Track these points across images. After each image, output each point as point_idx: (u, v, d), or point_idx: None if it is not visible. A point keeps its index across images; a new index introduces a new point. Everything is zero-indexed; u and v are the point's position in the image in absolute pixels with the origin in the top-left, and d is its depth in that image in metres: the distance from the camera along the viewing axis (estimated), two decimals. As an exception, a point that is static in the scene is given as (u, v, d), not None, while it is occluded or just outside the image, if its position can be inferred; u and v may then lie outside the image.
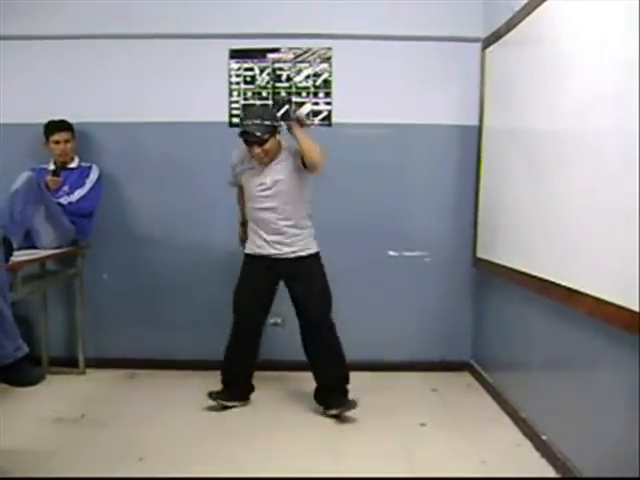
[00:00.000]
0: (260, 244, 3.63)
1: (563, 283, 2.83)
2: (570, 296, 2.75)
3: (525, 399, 3.48)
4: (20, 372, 3.00)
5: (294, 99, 4.39)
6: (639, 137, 2.22)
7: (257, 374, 3.81)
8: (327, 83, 4.37)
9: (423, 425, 3.53)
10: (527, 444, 3.27)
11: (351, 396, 3.68)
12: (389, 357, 4.23)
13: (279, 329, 4.34)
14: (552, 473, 2.92)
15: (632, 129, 2.27)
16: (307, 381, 3.88)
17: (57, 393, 3.95)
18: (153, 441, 3.26)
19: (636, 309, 2.22)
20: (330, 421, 3.56)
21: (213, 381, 4.15)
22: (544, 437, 3.12)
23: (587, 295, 2.60)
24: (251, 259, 3.71)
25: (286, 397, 3.85)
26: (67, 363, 4.39)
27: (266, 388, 4.02)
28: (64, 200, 4.04)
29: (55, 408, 3.66)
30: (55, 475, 2.84)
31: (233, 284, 4.35)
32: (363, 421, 3.57)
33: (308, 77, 4.38)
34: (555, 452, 2.96)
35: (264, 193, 3.55)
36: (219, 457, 3.08)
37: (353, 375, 3.74)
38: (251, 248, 3.70)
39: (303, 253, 3.60)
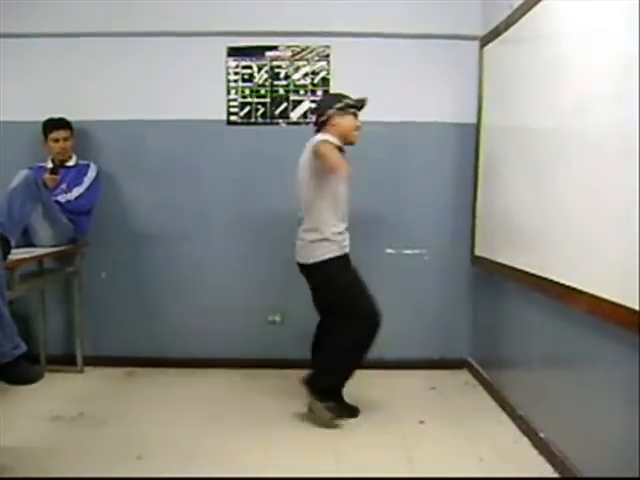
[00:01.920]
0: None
1: (561, 281, 2.83)
2: (568, 294, 2.75)
3: (523, 397, 3.49)
4: (18, 370, 3.00)
5: (292, 97, 4.38)
6: (639, 134, 2.22)
7: (255, 372, 3.80)
8: (325, 81, 4.37)
9: (422, 423, 3.54)
10: (525, 441, 3.28)
11: (351, 394, 3.69)
12: (388, 355, 4.23)
13: (278, 327, 4.34)
14: (550, 471, 2.93)
15: (632, 126, 2.26)
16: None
17: (55, 391, 3.95)
18: (152, 439, 3.26)
19: (635, 307, 2.22)
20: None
21: (211, 379, 4.17)
22: (542, 435, 3.13)
23: (585, 293, 2.60)
24: (345, 258, 3.54)
25: (285, 395, 3.84)
26: (65, 361, 4.39)
27: (265, 386, 4.03)
28: (62, 198, 4.04)
29: (53, 406, 3.66)
30: (54, 474, 2.84)
31: (232, 282, 4.38)
32: (362, 419, 3.57)
33: (306, 75, 4.37)
34: (553, 450, 2.97)
35: None
36: (218, 455, 3.08)
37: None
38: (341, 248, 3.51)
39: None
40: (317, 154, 3.25)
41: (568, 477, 2.63)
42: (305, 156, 3.44)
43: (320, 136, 3.38)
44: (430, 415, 3.63)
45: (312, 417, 3.48)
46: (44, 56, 4.32)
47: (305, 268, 3.53)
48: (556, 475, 2.89)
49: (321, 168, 3.28)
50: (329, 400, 3.50)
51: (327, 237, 3.42)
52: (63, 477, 2.70)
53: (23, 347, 2.96)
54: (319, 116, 3.51)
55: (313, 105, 4.32)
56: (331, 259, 3.43)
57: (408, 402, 3.83)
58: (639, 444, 2.25)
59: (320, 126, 3.51)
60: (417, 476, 2.72)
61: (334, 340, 3.51)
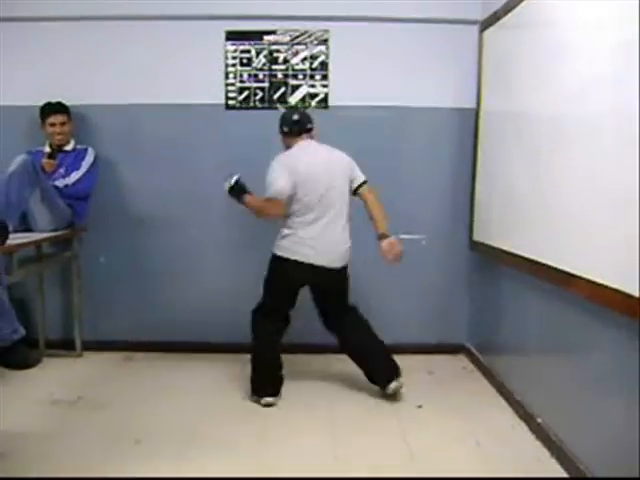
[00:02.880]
0: None
1: (560, 267, 2.83)
2: (567, 280, 2.76)
3: (521, 382, 3.50)
4: (17, 355, 3.01)
5: (290, 82, 4.36)
6: (639, 119, 2.21)
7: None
8: (324, 65, 4.34)
9: (419, 407, 3.56)
10: (522, 426, 3.29)
11: (349, 378, 3.71)
12: (386, 340, 4.22)
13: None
14: (547, 456, 2.95)
15: (631, 111, 2.26)
16: (302, 364, 3.92)
17: (54, 376, 3.97)
18: (150, 424, 3.27)
19: (635, 293, 2.23)
20: (326, 404, 3.58)
21: (210, 364, 4.18)
22: (539, 420, 3.14)
23: (584, 279, 2.60)
24: None
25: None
26: (64, 346, 4.40)
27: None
28: (60, 183, 4.03)
29: (52, 390, 3.68)
30: (52, 457, 2.87)
31: (231, 267, 4.38)
32: (359, 403, 3.59)
33: (305, 59, 4.35)
34: (550, 435, 2.99)
35: None
36: (215, 439, 3.10)
37: (348, 358, 3.77)
38: None
39: None
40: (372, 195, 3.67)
41: (576, 477, 2.64)
42: (340, 167, 3.62)
43: (352, 162, 3.68)
44: (427, 400, 3.65)
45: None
46: (42, 40, 4.29)
47: (338, 271, 3.66)
48: (553, 459, 2.91)
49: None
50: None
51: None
52: (62, 477, 2.70)
53: (22, 331, 2.97)
54: (308, 122, 3.69)
55: (312, 90, 4.32)
56: None
57: (406, 386, 3.82)
58: (639, 430, 2.27)
59: (307, 132, 3.68)
60: (417, 476, 2.73)
61: (368, 327, 3.78)
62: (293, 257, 3.55)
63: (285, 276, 3.64)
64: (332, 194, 3.54)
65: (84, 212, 4.19)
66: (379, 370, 3.70)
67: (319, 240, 3.54)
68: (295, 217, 3.56)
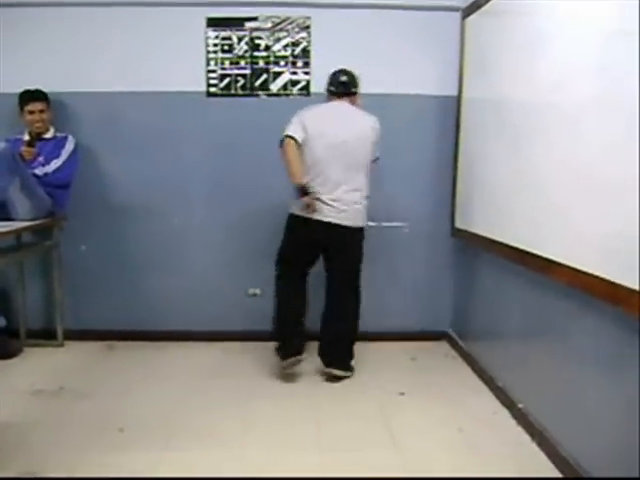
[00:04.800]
0: None
1: (541, 253, 2.85)
2: (548, 266, 2.78)
3: (502, 368, 3.53)
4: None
5: (272, 69, 4.34)
6: (619, 109, 2.23)
7: (235, 345, 3.81)
8: (306, 52, 4.33)
9: (402, 394, 3.57)
10: (504, 412, 3.32)
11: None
12: (369, 327, 4.24)
13: (258, 300, 4.35)
14: (528, 441, 2.97)
15: (611, 101, 2.28)
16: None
17: (35, 365, 3.95)
18: (133, 412, 3.26)
19: (612, 279, 2.25)
20: (310, 390, 3.59)
21: (192, 352, 4.18)
22: (520, 405, 3.17)
23: (564, 265, 2.62)
24: None
25: (266, 367, 3.86)
26: (45, 335, 4.37)
27: (246, 359, 4.04)
28: (39, 171, 3.99)
29: (34, 380, 3.65)
30: (35, 448, 2.85)
31: (212, 255, 4.38)
32: (343, 390, 3.61)
33: (287, 46, 4.33)
34: (531, 421, 3.01)
35: None
36: (198, 428, 3.09)
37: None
38: None
39: None
40: None
41: (571, 477, 2.66)
42: (365, 129, 3.66)
43: (373, 118, 3.71)
44: (410, 386, 3.67)
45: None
46: (19, 27, 4.22)
47: (349, 231, 3.64)
48: (534, 444, 2.93)
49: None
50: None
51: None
52: (63, 477, 2.69)
53: (2, 322, 2.95)
54: (353, 86, 3.73)
55: (294, 77, 4.30)
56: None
57: (388, 373, 3.86)
58: (622, 415, 2.29)
59: (346, 94, 3.71)
60: (417, 476, 2.74)
61: (350, 306, 3.76)
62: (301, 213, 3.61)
63: (293, 230, 3.72)
64: (345, 155, 3.57)
65: (64, 201, 4.15)
66: (327, 351, 3.77)
67: (327, 196, 3.57)
68: (310, 172, 3.58)
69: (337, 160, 3.55)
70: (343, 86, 3.68)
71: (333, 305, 3.75)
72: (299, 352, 3.70)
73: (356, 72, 3.72)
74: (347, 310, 3.75)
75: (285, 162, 3.54)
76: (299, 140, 3.53)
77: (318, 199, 3.53)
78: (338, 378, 3.70)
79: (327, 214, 3.56)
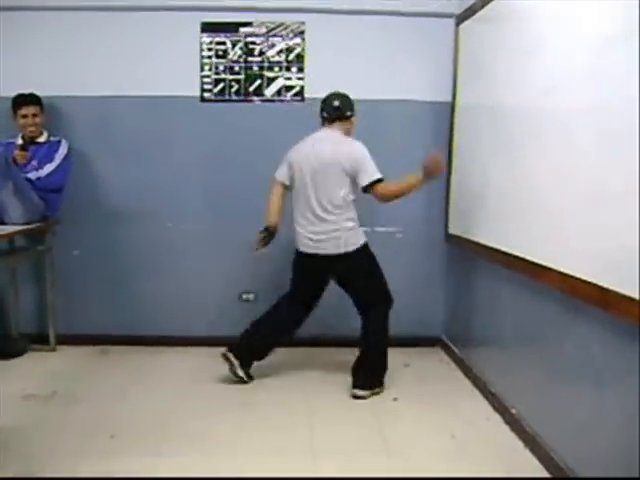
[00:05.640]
0: None
1: (532, 259, 2.86)
2: (539, 271, 2.79)
3: (495, 374, 3.53)
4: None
5: (266, 74, 4.34)
6: (612, 114, 2.24)
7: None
8: (300, 58, 4.33)
9: (395, 400, 3.57)
10: (497, 418, 3.32)
11: (326, 371, 3.74)
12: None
13: (251, 305, 4.34)
14: (521, 447, 2.98)
15: (605, 106, 2.29)
16: (280, 357, 3.92)
17: (28, 370, 3.93)
18: (124, 418, 3.25)
19: (603, 284, 2.26)
20: (303, 397, 3.58)
21: (185, 357, 4.17)
22: (513, 411, 3.17)
23: (555, 270, 2.62)
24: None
25: (258, 373, 3.84)
26: (38, 340, 4.35)
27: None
28: (33, 175, 3.99)
29: (26, 385, 3.63)
30: (26, 452, 2.83)
31: (205, 260, 4.37)
32: (336, 396, 3.60)
33: (281, 51, 4.33)
34: (524, 426, 3.01)
35: None
36: (191, 433, 3.08)
37: (326, 350, 3.78)
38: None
39: None
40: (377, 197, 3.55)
41: (561, 477, 2.66)
42: (335, 155, 3.53)
43: (354, 145, 3.57)
44: (403, 392, 3.67)
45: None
46: (13, 31, 4.22)
47: (336, 258, 3.59)
48: (527, 450, 2.93)
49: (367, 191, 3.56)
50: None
51: (355, 226, 3.63)
52: (63, 477, 2.68)
53: None
54: (348, 109, 3.66)
55: (288, 82, 4.31)
56: (366, 243, 3.68)
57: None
58: (613, 420, 2.29)
59: (339, 119, 3.64)
60: (417, 476, 2.74)
61: (375, 319, 3.69)
62: (298, 246, 3.68)
63: (295, 264, 3.77)
64: (317, 185, 3.54)
65: (57, 205, 4.15)
66: (354, 374, 3.69)
67: (305, 228, 3.60)
68: (294, 205, 3.66)
69: (311, 191, 3.56)
70: (336, 111, 3.63)
71: (362, 326, 3.73)
72: (242, 359, 3.72)
73: (349, 95, 3.68)
74: (365, 329, 3.71)
75: None
76: (284, 181, 3.70)
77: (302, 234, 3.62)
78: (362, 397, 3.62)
79: (309, 245, 3.61)
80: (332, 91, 3.68)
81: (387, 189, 3.50)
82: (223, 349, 3.71)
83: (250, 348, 3.75)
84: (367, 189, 3.51)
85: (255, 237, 3.66)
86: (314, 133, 3.66)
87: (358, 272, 3.65)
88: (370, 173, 3.49)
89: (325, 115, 3.65)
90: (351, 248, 3.57)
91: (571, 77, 2.56)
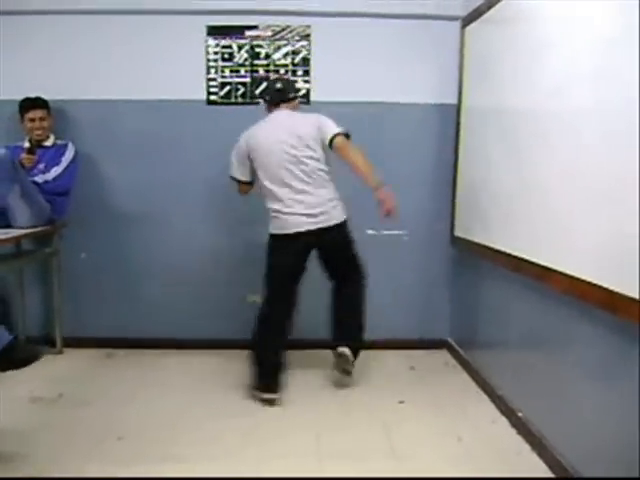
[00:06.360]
0: None
1: (539, 261, 2.85)
2: (545, 274, 2.78)
3: (502, 377, 3.52)
4: (10, 358, 2.98)
5: (272, 76, 4.35)
6: (618, 116, 2.23)
7: (235, 353, 3.80)
8: (306, 61, 4.34)
9: (401, 403, 3.56)
10: (503, 421, 3.31)
11: (329, 373, 3.77)
12: (368, 335, 4.24)
13: (258, 307, 4.33)
14: (528, 450, 2.97)
15: (612, 107, 2.28)
16: (290, 360, 3.92)
17: (35, 373, 3.94)
18: (132, 421, 3.26)
19: (609, 287, 2.26)
20: (310, 400, 3.58)
21: (192, 360, 4.17)
22: (520, 414, 3.16)
23: (561, 273, 2.62)
24: None
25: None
26: (44, 342, 4.37)
27: (246, 367, 4.02)
28: (40, 178, 4.00)
29: (33, 388, 3.65)
30: (33, 455, 2.84)
31: (212, 262, 4.38)
32: (342, 399, 3.60)
33: (287, 55, 4.34)
34: (531, 429, 3.01)
35: None
36: (198, 436, 3.09)
37: (331, 353, 3.77)
38: None
39: None
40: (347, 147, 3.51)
41: (564, 477, 2.66)
42: (304, 130, 3.53)
43: (321, 118, 3.56)
44: (409, 395, 3.66)
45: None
46: (20, 34, 4.24)
47: (337, 228, 3.60)
48: (534, 453, 2.93)
49: (339, 157, 3.55)
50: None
51: (338, 197, 3.65)
52: (63, 477, 2.69)
53: (6, 337, 2.95)
54: (291, 91, 3.74)
55: (296, 85, 4.32)
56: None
57: (387, 382, 3.85)
58: (619, 422, 2.29)
59: (283, 101, 3.67)
60: (416, 476, 2.74)
61: (356, 296, 3.80)
62: (286, 229, 3.56)
63: (277, 250, 3.63)
64: (297, 161, 3.51)
65: (64, 208, 4.16)
66: (336, 332, 3.77)
67: (294, 209, 3.53)
68: (267, 192, 3.60)
69: (292, 169, 3.51)
70: (279, 93, 3.66)
71: (340, 288, 3.79)
72: (276, 388, 3.58)
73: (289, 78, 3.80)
74: (350, 292, 3.79)
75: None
76: (243, 179, 3.76)
77: (293, 214, 3.54)
78: (349, 361, 3.66)
79: (304, 223, 3.52)
80: (271, 77, 3.78)
81: (348, 142, 3.53)
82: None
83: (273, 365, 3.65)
84: (332, 141, 3.50)
85: None
86: (265, 119, 3.67)
87: (346, 242, 3.70)
88: (333, 127, 3.51)
89: (268, 99, 3.69)
90: (341, 218, 3.62)
91: (578, 78, 2.56)
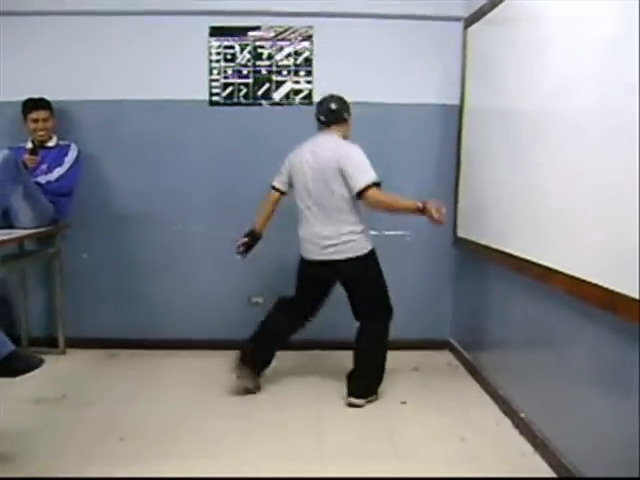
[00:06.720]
0: None
1: (541, 262, 2.85)
2: (547, 274, 2.78)
3: (504, 377, 3.52)
4: (11, 366, 2.97)
5: (274, 78, 4.35)
6: (621, 116, 2.23)
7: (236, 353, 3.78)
8: (308, 61, 4.34)
9: (404, 403, 3.57)
10: (506, 422, 3.31)
11: (334, 375, 3.76)
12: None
13: (260, 309, 4.34)
14: (530, 451, 2.97)
15: (615, 108, 2.28)
16: (289, 360, 3.92)
17: (37, 373, 3.89)
18: (134, 421, 3.26)
19: (611, 287, 2.26)
20: (312, 400, 3.58)
21: (193, 361, 4.18)
22: (523, 415, 3.16)
23: (563, 273, 2.62)
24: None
25: (269, 376, 3.84)
26: (47, 343, 4.37)
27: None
28: (42, 179, 4.00)
29: (36, 388, 3.64)
30: (36, 455, 2.85)
31: (214, 263, 4.38)
32: (343, 400, 3.59)
33: (289, 55, 4.34)
34: (534, 430, 3.00)
35: None
36: (199, 437, 3.09)
37: (335, 354, 3.78)
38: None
39: None
40: (377, 205, 3.45)
41: (566, 477, 2.66)
42: (328, 159, 3.47)
43: (351, 149, 3.49)
44: (412, 396, 3.67)
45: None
46: (23, 35, 4.24)
47: (344, 264, 3.53)
48: (537, 454, 2.93)
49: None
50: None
51: (364, 230, 3.58)
52: (64, 477, 2.69)
53: (10, 347, 2.94)
54: (344, 112, 3.63)
55: (296, 86, 4.32)
56: (373, 249, 3.62)
57: (390, 383, 3.84)
58: (621, 423, 2.28)
59: (336, 122, 3.60)
60: (419, 476, 2.73)
61: (373, 339, 3.64)
62: (302, 253, 3.66)
63: (299, 271, 3.74)
64: (320, 190, 3.49)
65: (67, 208, 4.16)
66: (350, 382, 3.65)
67: (308, 234, 3.57)
68: (299, 210, 3.63)
69: (311, 196, 3.53)
70: (333, 114, 3.59)
71: (359, 334, 3.68)
72: (253, 367, 3.68)
73: (345, 98, 3.65)
74: (366, 337, 3.65)
75: None
76: (281, 188, 3.72)
77: (307, 241, 3.59)
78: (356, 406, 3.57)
79: (313, 252, 3.57)
80: (327, 94, 3.67)
81: (379, 195, 3.41)
82: (234, 355, 3.69)
83: (260, 356, 3.73)
84: (360, 194, 3.39)
85: (237, 240, 3.73)
86: (313, 138, 3.63)
87: (362, 278, 3.59)
88: (362, 177, 3.39)
89: (322, 119, 3.61)
90: (358, 253, 3.53)
91: (580, 79, 2.55)
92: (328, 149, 3.49)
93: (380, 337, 3.65)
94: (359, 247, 3.53)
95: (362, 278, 3.59)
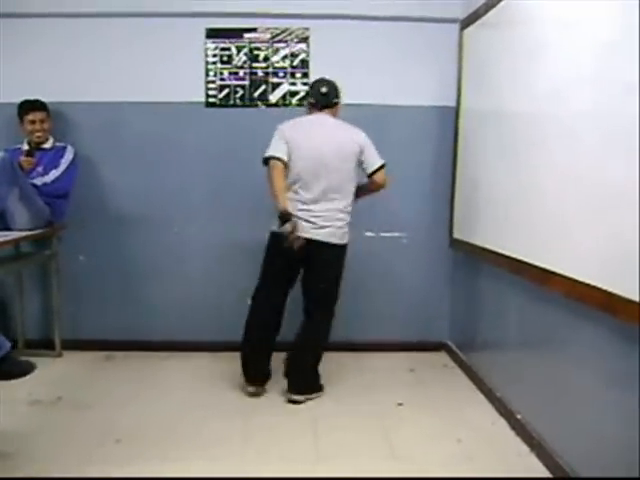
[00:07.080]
0: None
1: (538, 264, 2.86)
2: (545, 276, 2.78)
3: (501, 379, 3.52)
4: (6, 368, 2.97)
5: (271, 79, 4.36)
6: (617, 118, 2.24)
7: (235, 355, 3.78)
8: (304, 63, 4.34)
9: (400, 405, 3.57)
10: (502, 423, 3.32)
11: (331, 376, 3.75)
12: (367, 337, 4.25)
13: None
14: (526, 452, 2.97)
15: (610, 110, 2.29)
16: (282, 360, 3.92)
17: (33, 375, 3.93)
18: (130, 423, 3.26)
19: (609, 289, 2.26)
20: (308, 402, 3.58)
21: (191, 363, 4.17)
22: (519, 416, 3.16)
23: (562, 275, 2.62)
24: None
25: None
26: (43, 345, 4.37)
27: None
28: (38, 181, 4.00)
29: (32, 390, 3.64)
30: (32, 458, 2.84)
31: (212, 265, 4.37)
32: (341, 401, 3.60)
33: (285, 57, 4.35)
34: (530, 431, 3.01)
35: None
36: (197, 439, 3.09)
37: (332, 355, 3.77)
38: None
39: None
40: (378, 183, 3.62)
41: (562, 477, 2.66)
42: (345, 143, 3.52)
43: (367, 143, 3.57)
44: (408, 397, 3.67)
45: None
46: (19, 37, 4.24)
47: (330, 247, 3.51)
48: (533, 455, 2.93)
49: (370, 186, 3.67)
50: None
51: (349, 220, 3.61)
52: (64, 477, 2.69)
53: (7, 345, 2.94)
54: (335, 96, 3.63)
55: (292, 87, 4.32)
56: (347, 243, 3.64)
57: (387, 384, 3.85)
58: (617, 424, 2.29)
59: (327, 106, 3.60)
60: (416, 476, 2.74)
61: (322, 323, 3.64)
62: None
63: (274, 247, 3.58)
64: (325, 171, 3.46)
65: (63, 210, 4.16)
66: (291, 379, 3.64)
67: (307, 212, 3.47)
68: (291, 188, 3.51)
69: (317, 175, 3.46)
70: (324, 97, 3.58)
71: (304, 327, 3.66)
72: (265, 378, 3.68)
73: (337, 82, 3.64)
74: (314, 334, 3.66)
75: (270, 184, 3.47)
76: (284, 159, 3.46)
77: (298, 218, 3.43)
78: (298, 402, 3.58)
79: (307, 230, 3.45)
80: (320, 77, 3.67)
81: (386, 180, 3.64)
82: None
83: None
84: (374, 173, 3.57)
85: (286, 235, 3.35)
86: (305, 118, 3.63)
87: (340, 266, 3.61)
88: (377, 160, 3.58)
89: (312, 101, 3.61)
90: (344, 240, 3.56)
91: (576, 81, 2.56)
92: (342, 129, 3.56)
93: (326, 334, 3.67)
94: (345, 234, 3.57)
95: (334, 265, 3.60)
